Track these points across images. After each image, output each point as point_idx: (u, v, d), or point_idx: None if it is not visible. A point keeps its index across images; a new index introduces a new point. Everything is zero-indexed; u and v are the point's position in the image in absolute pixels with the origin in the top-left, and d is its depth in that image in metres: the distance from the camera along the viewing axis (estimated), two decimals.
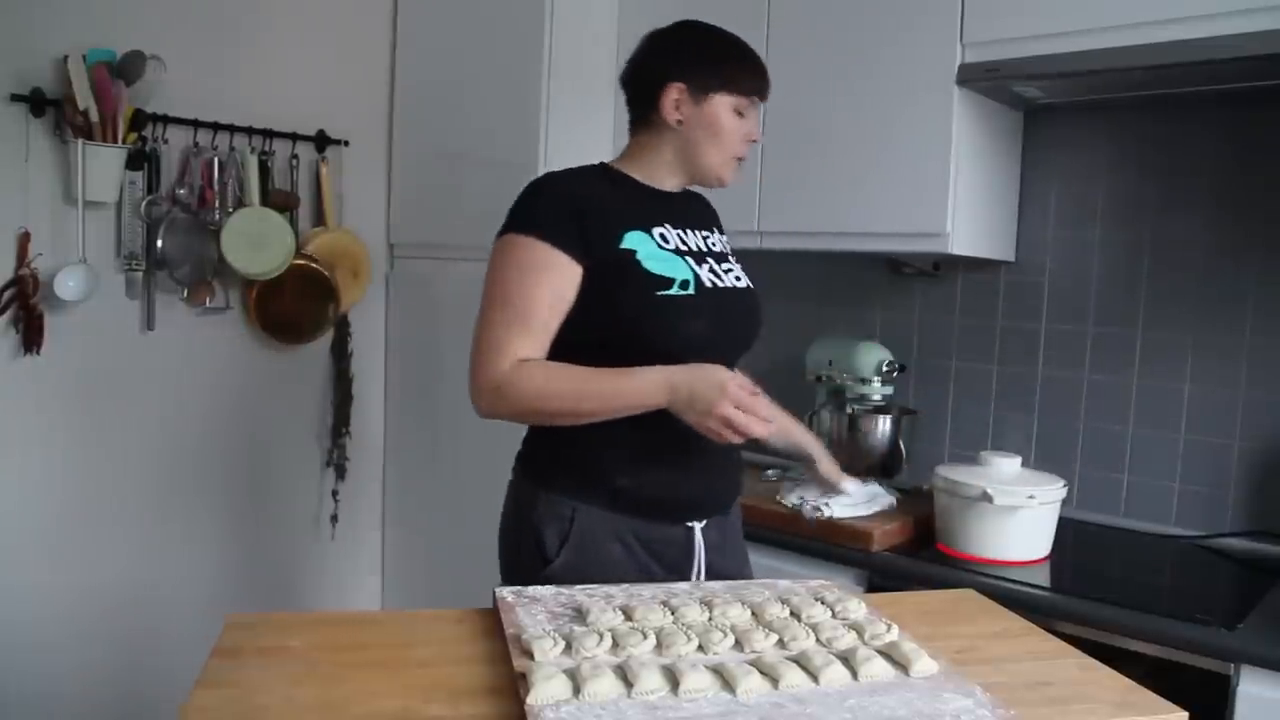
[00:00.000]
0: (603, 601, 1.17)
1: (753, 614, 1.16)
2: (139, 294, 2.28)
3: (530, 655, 1.01)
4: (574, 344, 1.39)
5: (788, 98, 2.14)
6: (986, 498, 1.74)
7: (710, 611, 1.15)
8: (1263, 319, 1.94)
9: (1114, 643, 1.51)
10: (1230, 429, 1.97)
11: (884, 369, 2.21)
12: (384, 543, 2.83)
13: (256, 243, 2.34)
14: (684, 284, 1.40)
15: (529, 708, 0.90)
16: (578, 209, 1.39)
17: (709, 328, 1.41)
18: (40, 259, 2.09)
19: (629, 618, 1.13)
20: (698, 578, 1.45)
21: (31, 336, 2.09)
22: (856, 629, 1.12)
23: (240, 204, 2.37)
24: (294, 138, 2.49)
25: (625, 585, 1.27)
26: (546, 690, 0.92)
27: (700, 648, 1.05)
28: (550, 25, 2.29)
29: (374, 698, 0.94)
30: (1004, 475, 1.80)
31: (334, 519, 2.70)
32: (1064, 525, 1.86)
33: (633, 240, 1.40)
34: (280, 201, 2.43)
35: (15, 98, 2.05)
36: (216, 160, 2.33)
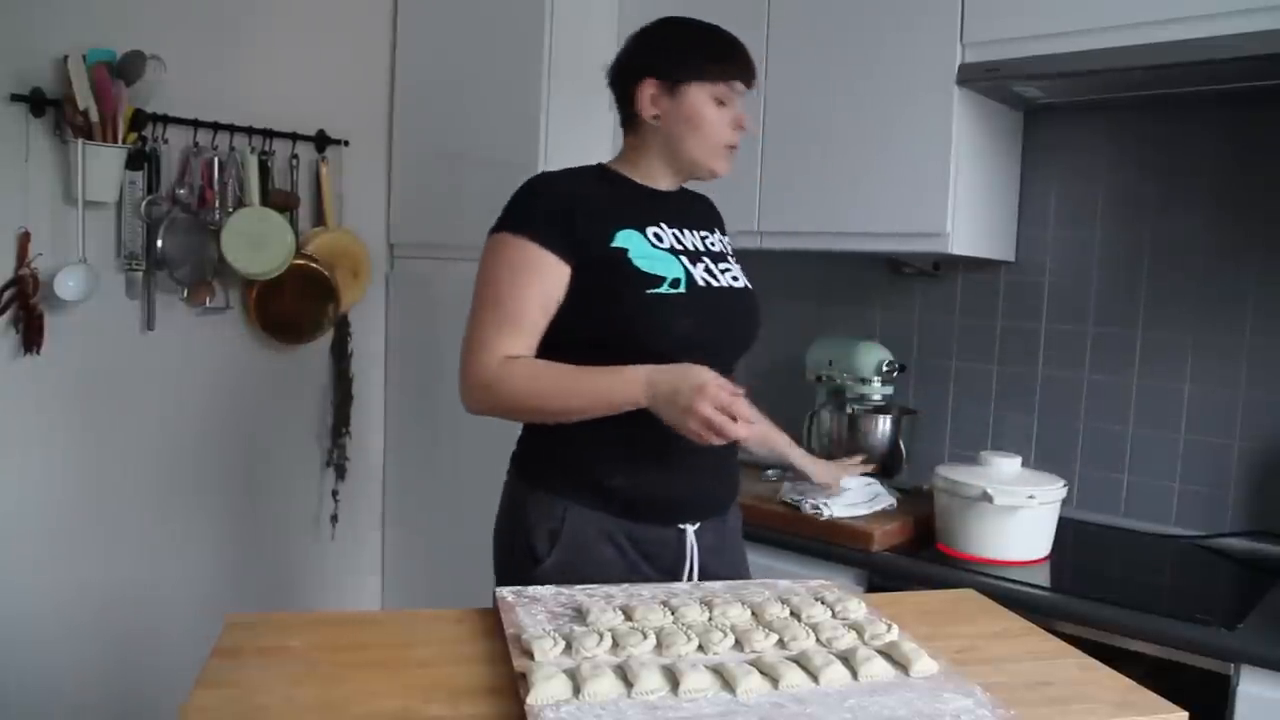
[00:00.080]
0: (603, 601, 1.17)
1: (753, 614, 1.16)
2: (139, 294, 2.28)
3: (530, 655, 1.01)
4: (568, 343, 1.39)
5: (788, 98, 2.15)
6: (986, 498, 1.74)
7: (710, 611, 1.15)
8: (1263, 319, 1.94)
9: (1114, 643, 1.51)
10: (1230, 429, 1.97)
11: (884, 369, 2.21)
12: (384, 543, 2.83)
13: (256, 243, 2.34)
14: (675, 282, 1.40)
15: (529, 708, 0.90)
16: (569, 208, 1.40)
17: (701, 326, 1.41)
18: (40, 259, 2.09)
19: (629, 618, 1.13)
20: (690, 580, 1.44)
21: (31, 336, 2.09)
22: (856, 629, 1.12)
23: (240, 204, 2.36)
24: (294, 138, 2.49)
25: (625, 585, 1.26)
26: (546, 690, 0.92)
27: (700, 648, 1.05)
28: (550, 25, 2.29)
29: (374, 698, 0.94)
30: (1004, 475, 1.80)
31: (334, 519, 2.70)
32: (1064, 525, 1.86)
33: (624, 239, 1.40)
34: (280, 201, 2.42)
35: (15, 98, 2.05)
36: (216, 160, 2.33)
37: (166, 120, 2.25)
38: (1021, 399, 2.23)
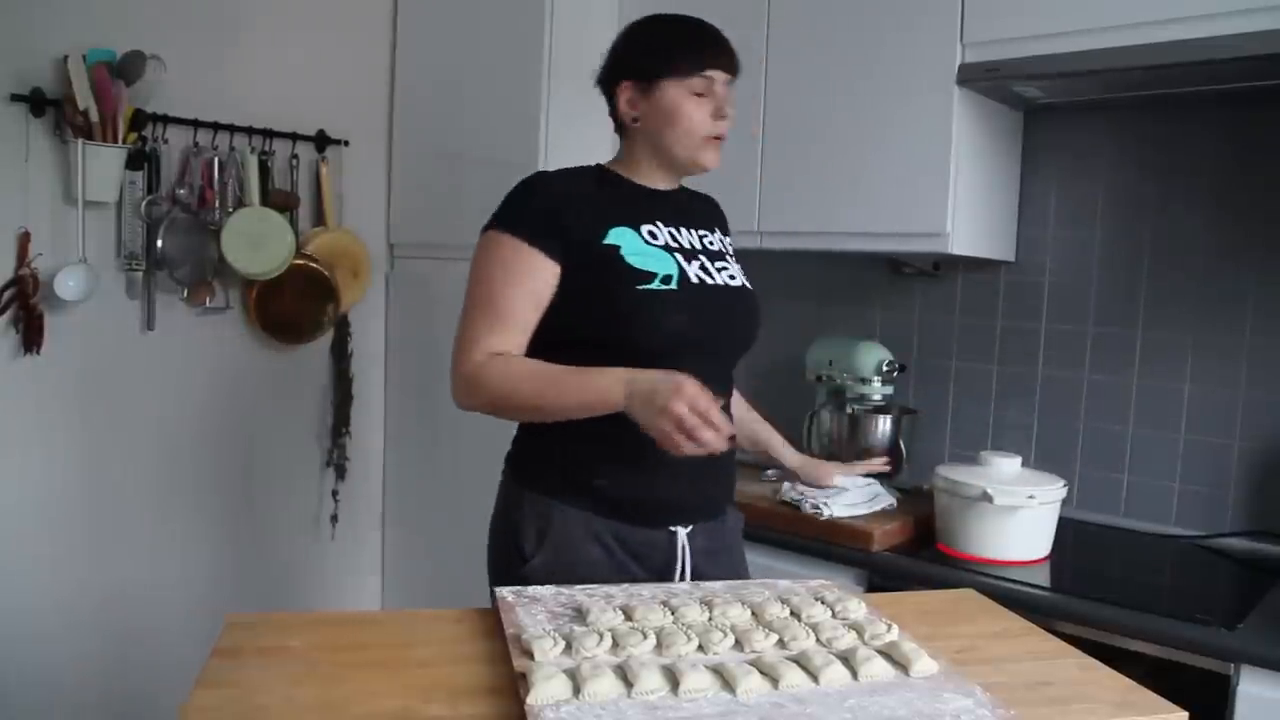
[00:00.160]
0: (603, 601, 1.17)
1: (753, 614, 1.16)
2: (139, 294, 2.28)
3: (530, 655, 1.01)
4: (564, 343, 1.39)
5: (788, 98, 2.15)
6: (986, 498, 1.74)
7: (710, 611, 1.15)
8: (1263, 319, 1.94)
9: (1114, 643, 1.51)
10: (1230, 429, 1.97)
11: (884, 369, 2.21)
12: (384, 543, 2.83)
13: (256, 243, 2.34)
14: (666, 278, 1.40)
15: (529, 708, 0.90)
16: (562, 206, 1.40)
17: (694, 324, 1.40)
18: (40, 259, 2.09)
19: (629, 618, 1.13)
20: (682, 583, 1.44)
21: (31, 336, 2.09)
22: (856, 629, 1.12)
23: (240, 204, 2.37)
24: (294, 138, 2.49)
25: (625, 585, 1.26)
26: (546, 690, 0.92)
27: (700, 648, 1.05)
28: (550, 25, 2.29)
29: (374, 698, 0.94)
30: (1004, 475, 1.80)
31: (334, 519, 2.70)
32: (1064, 525, 1.86)
33: (617, 236, 1.40)
34: (280, 201, 2.42)
35: (15, 98, 2.05)
36: (216, 160, 2.33)
37: (166, 120, 2.25)
38: (1021, 399, 2.23)
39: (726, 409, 1.47)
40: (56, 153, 2.12)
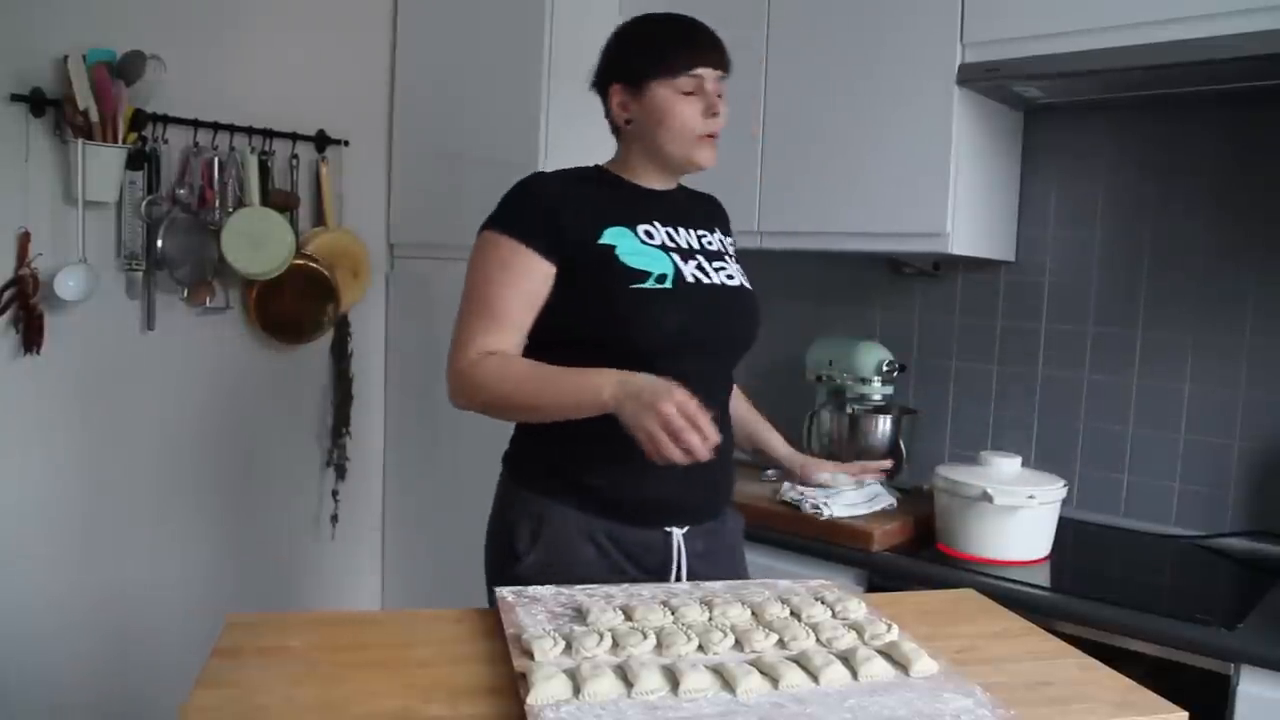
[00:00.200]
0: (603, 601, 1.17)
1: (753, 614, 1.16)
2: (139, 294, 2.28)
3: (530, 655, 1.01)
4: (559, 341, 1.40)
5: (788, 98, 2.15)
6: (986, 498, 1.74)
7: (710, 611, 1.15)
8: (1263, 319, 1.94)
9: (1114, 643, 1.51)
10: (1230, 429, 1.97)
11: (884, 369, 2.21)
12: (384, 543, 2.83)
13: (256, 243, 2.34)
14: (660, 278, 1.40)
15: (529, 708, 0.90)
16: (558, 206, 1.41)
17: (688, 323, 1.40)
18: (40, 259, 2.09)
19: (629, 618, 1.13)
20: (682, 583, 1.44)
21: (31, 336, 2.09)
22: (856, 629, 1.12)
23: (240, 204, 2.36)
24: (294, 138, 2.49)
25: (625, 585, 1.26)
26: (546, 690, 0.92)
27: (700, 648, 1.05)
28: (550, 25, 2.29)
29: (374, 698, 0.94)
30: (1004, 475, 1.80)
31: (334, 519, 2.70)
32: (1064, 525, 1.86)
33: (613, 236, 1.40)
34: (280, 201, 2.42)
35: (15, 98, 2.05)
36: (216, 160, 2.33)
37: (166, 120, 2.25)
38: (1021, 399, 2.23)
39: (720, 420, 1.47)
40: (56, 153, 2.12)
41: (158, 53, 2.17)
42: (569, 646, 1.03)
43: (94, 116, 2.07)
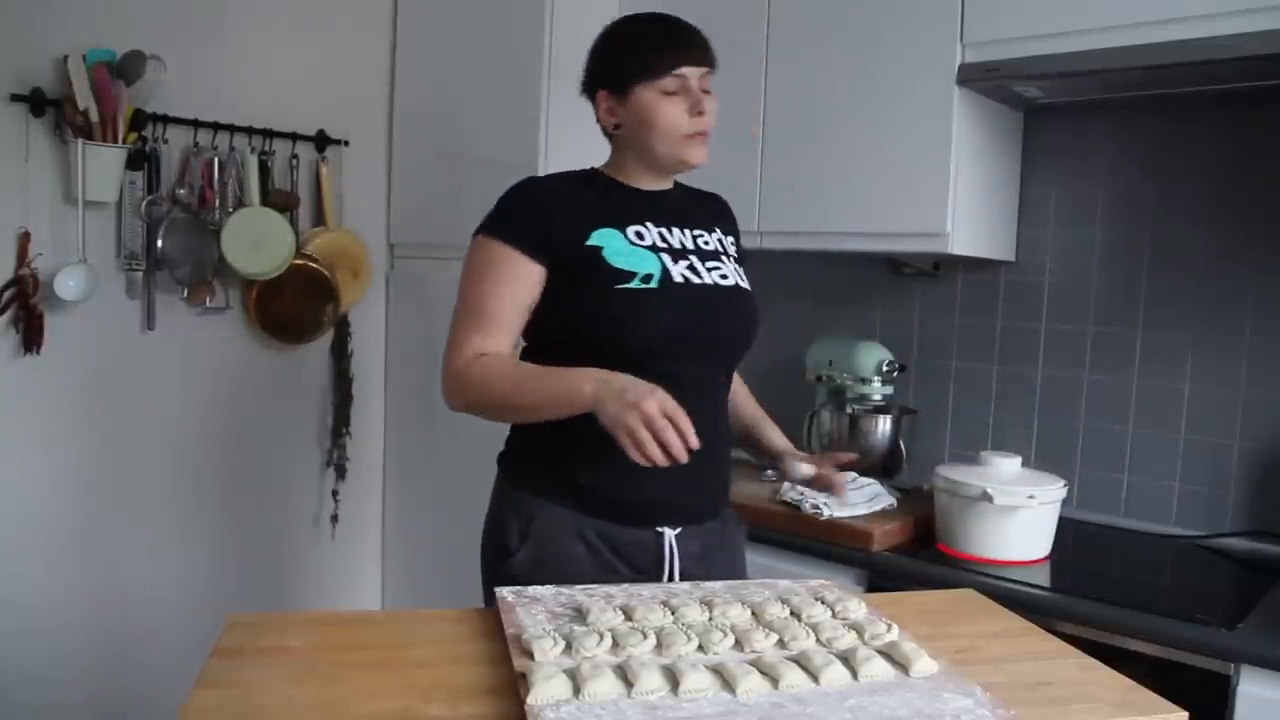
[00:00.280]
0: (603, 601, 1.17)
1: (753, 614, 1.16)
2: (139, 294, 2.28)
3: (530, 655, 1.01)
4: (553, 342, 1.42)
5: (787, 97, 2.15)
6: (986, 498, 1.74)
7: (710, 611, 1.15)
8: (1263, 319, 1.94)
9: (1114, 643, 1.51)
10: (1230, 429, 1.97)
11: (884, 369, 2.21)
12: (384, 543, 2.83)
13: (256, 243, 2.34)
14: (646, 277, 1.40)
15: (529, 708, 0.90)
16: (548, 209, 1.42)
17: (675, 322, 1.40)
18: (40, 259, 2.09)
19: (629, 618, 1.13)
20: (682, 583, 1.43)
21: (31, 336, 2.09)
22: (856, 629, 1.12)
23: (240, 204, 2.37)
24: (294, 138, 2.49)
25: (625, 585, 1.26)
26: (546, 690, 0.92)
27: (700, 648, 1.05)
28: (550, 25, 2.29)
29: (374, 698, 0.94)
30: (1004, 475, 1.80)
31: (334, 519, 2.70)
32: (1064, 525, 1.86)
33: (601, 237, 1.41)
34: (280, 201, 2.43)
35: (15, 98, 2.05)
36: (216, 160, 2.33)
37: (166, 120, 2.25)
38: (1021, 399, 2.23)
39: (716, 422, 1.47)
40: (56, 153, 2.12)
41: (158, 53, 2.17)
42: (569, 646, 1.03)
43: (94, 116, 2.07)
